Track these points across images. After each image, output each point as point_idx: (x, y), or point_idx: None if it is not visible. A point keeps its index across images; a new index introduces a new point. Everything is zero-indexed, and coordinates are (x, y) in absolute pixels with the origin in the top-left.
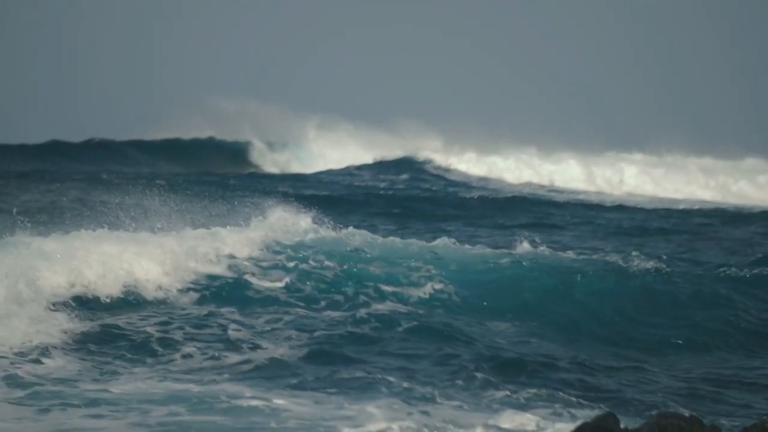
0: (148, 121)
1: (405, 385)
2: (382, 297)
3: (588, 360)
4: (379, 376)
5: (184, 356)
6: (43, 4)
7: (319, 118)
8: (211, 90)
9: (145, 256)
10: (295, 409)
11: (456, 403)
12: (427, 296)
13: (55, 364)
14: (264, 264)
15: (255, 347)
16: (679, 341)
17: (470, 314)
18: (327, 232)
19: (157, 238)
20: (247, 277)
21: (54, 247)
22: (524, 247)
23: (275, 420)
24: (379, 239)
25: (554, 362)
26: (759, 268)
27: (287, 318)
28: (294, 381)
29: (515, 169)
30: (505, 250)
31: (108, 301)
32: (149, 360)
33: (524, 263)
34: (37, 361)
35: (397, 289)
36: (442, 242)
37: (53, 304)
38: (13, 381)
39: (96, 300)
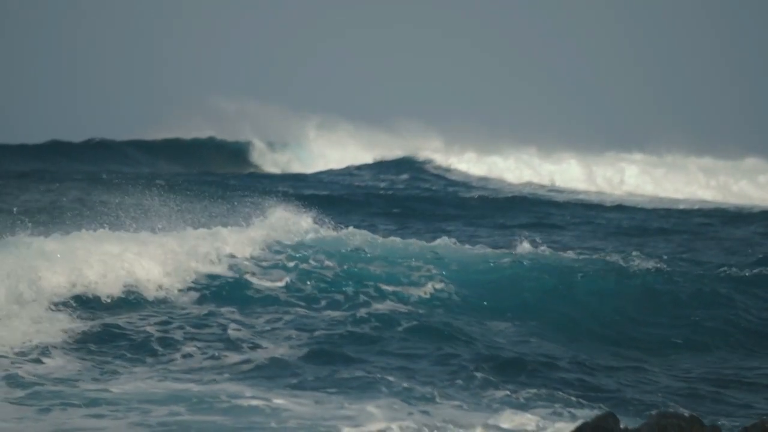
0: (148, 121)
1: (405, 384)
2: (383, 297)
3: (588, 360)
4: (379, 375)
5: (185, 356)
6: (43, 4)
7: (319, 118)
8: (212, 90)
9: (145, 256)
10: (295, 409)
11: (456, 402)
12: (427, 296)
13: (55, 363)
14: (264, 264)
15: (255, 347)
16: (680, 341)
17: (470, 314)
18: (327, 232)
19: (158, 238)
20: (248, 276)
21: (55, 247)
22: (524, 246)
23: (275, 420)
24: (380, 239)
25: (554, 362)
26: (759, 267)
27: (287, 318)
28: (294, 381)
29: (515, 169)
30: (505, 250)
31: (108, 301)
32: (149, 360)
33: (524, 263)
34: (38, 361)
35: (397, 289)
36: (443, 242)
37: (54, 304)
38: (13, 381)
39: (96, 300)
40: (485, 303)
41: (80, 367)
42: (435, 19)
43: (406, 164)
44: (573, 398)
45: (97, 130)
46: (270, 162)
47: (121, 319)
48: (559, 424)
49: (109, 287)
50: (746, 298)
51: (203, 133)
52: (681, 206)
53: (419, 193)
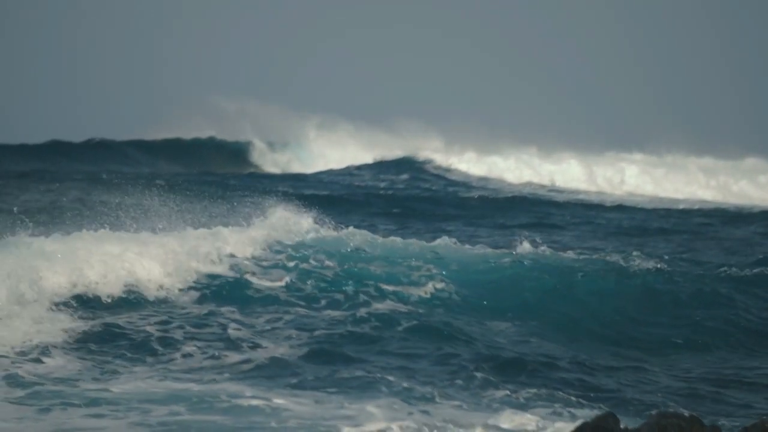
0: (148, 121)
1: (405, 384)
2: (383, 296)
3: (588, 360)
4: (379, 375)
5: (185, 355)
6: (43, 4)
7: (319, 118)
8: (212, 90)
9: (146, 256)
10: (295, 409)
11: (456, 402)
12: (427, 296)
13: (55, 363)
14: (264, 263)
15: (255, 346)
16: (680, 341)
17: (470, 314)
18: (327, 232)
19: (159, 238)
20: (248, 276)
21: (56, 247)
22: (524, 246)
23: (275, 419)
24: (380, 239)
25: (554, 362)
26: (759, 267)
27: (287, 317)
28: (294, 380)
29: (515, 169)
30: (505, 250)
31: (109, 300)
32: (150, 359)
33: (524, 263)
34: (38, 361)
35: (398, 289)
36: (443, 242)
37: (55, 304)
38: (13, 380)
39: (97, 300)
40: (485, 303)
41: (80, 366)
42: (435, 19)
43: (406, 164)
44: (573, 398)
45: (97, 130)
46: (270, 162)
47: (121, 319)
48: (559, 424)
49: (109, 287)
50: (746, 298)
51: (203, 133)
52: (681, 206)
53: (419, 193)
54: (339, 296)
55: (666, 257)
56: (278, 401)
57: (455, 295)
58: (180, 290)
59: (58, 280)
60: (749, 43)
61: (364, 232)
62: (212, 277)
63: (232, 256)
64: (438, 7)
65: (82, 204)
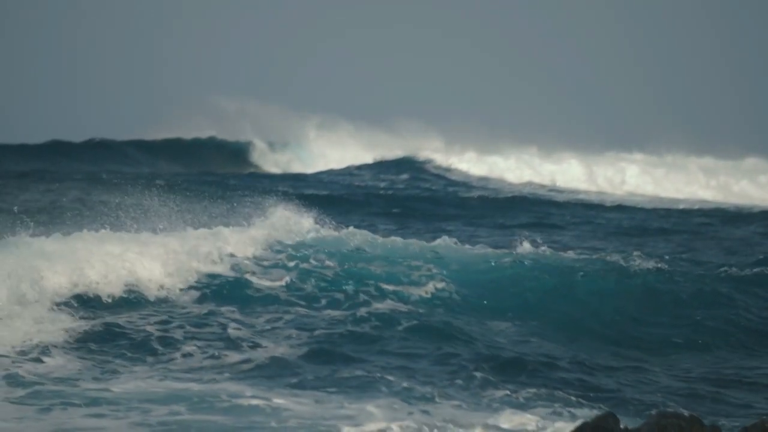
0: (148, 121)
1: (405, 384)
2: (383, 296)
3: (588, 360)
4: (379, 375)
5: (185, 355)
6: (43, 4)
7: (319, 118)
8: (212, 90)
9: (147, 256)
10: (295, 408)
11: (456, 402)
12: (427, 295)
13: (56, 363)
14: (265, 263)
15: (255, 346)
16: (680, 341)
17: (470, 313)
18: (328, 232)
19: (159, 238)
20: (248, 276)
21: (56, 247)
22: (525, 246)
23: (276, 419)
24: (380, 239)
25: (554, 362)
26: (759, 267)
27: (288, 317)
28: (294, 380)
29: (516, 168)
30: (505, 250)
31: (110, 300)
32: (150, 359)
33: (525, 263)
34: (38, 361)
35: (398, 288)
36: (443, 242)
37: (56, 304)
38: (14, 380)
39: (98, 299)
40: (485, 303)
41: (81, 366)
42: (435, 19)
43: (406, 164)
44: (573, 398)
45: (97, 130)
46: (270, 162)
47: (121, 319)
48: (559, 424)
49: (110, 287)
50: (746, 297)
51: (204, 133)
52: (681, 206)
53: (419, 193)
54: (339, 296)
55: (666, 257)
56: (278, 401)
57: (455, 294)
58: (180, 290)
59: (59, 280)
60: (749, 43)
61: (365, 232)
62: (212, 276)
63: (232, 255)
64: (438, 7)
65: (82, 204)
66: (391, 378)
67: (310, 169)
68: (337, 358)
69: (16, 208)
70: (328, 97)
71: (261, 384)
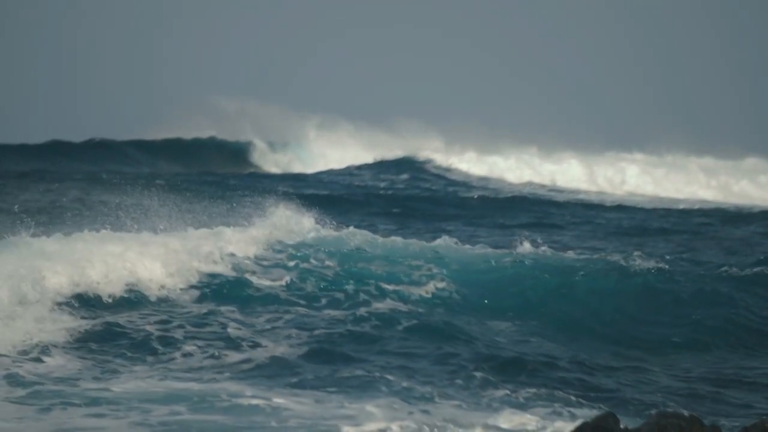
0: (148, 121)
1: (405, 384)
2: (383, 296)
3: (588, 359)
4: (379, 375)
5: (185, 355)
6: (43, 4)
7: (319, 118)
8: (212, 90)
9: (147, 256)
10: (295, 408)
11: (456, 402)
12: (427, 295)
13: (56, 363)
14: (265, 263)
15: (255, 346)
16: (680, 340)
17: (470, 313)
18: (328, 232)
19: (160, 238)
20: (248, 275)
21: (57, 247)
22: (525, 246)
23: (276, 419)
24: (380, 239)
25: (554, 361)
26: (759, 267)
27: (288, 316)
28: (294, 380)
29: (516, 168)
30: (505, 250)
31: (110, 300)
32: (150, 359)
33: (525, 263)
34: (39, 360)
35: (398, 288)
36: (443, 242)
37: (57, 304)
38: (14, 380)
39: (98, 299)
40: (485, 302)
41: (81, 366)
42: (435, 19)
43: (406, 164)
44: (573, 398)
45: (97, 130)
46: (271, 162)
47: (122, 319)
48: (559, 424)
49: (111, 287)
50: (747, 297)
51: (204, 133)
52: (681, 206)
53: (419, 193)
54: (339, 295)
55: (666, 257)
56: (278, 401)
57: (455, 294)
58: (181, 290)
59: (60, 280)
60: (749, 43)
61: (365, 231)
62: (213, 276)
63: (232, 255)
64: (438, 7)
65: (82, 204)
66: (391, 378)
67: (310, 169)
68: (337, 357)
69: (16, 207)
70: (328, 97)
71: (261, 384)
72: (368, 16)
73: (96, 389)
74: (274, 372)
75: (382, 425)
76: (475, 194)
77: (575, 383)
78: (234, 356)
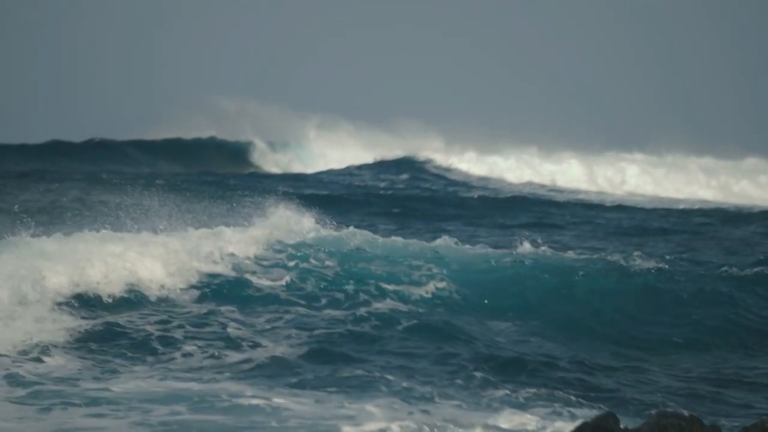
0: (148, 121)
1: (405, 384)
2: (383, 295)
3: (588, 359)
4: (379, 375)
5: (185, 355)
6: (43, 4)
7: (319, 118)
8: (212, 90)
9: (148, 256)
10: (295, 408)
11: (455, 402)
12: (427, 295)
13: (56, 362)
14: (265, 263)
15: (256, 346)
16: (680, 340)
17: (470, 313)
18: (328, 232)
19: (160, 238)
20: (248, 275)
21: (58, 247)
22: (525, 246)
23: (276, 419)
24: (380, 239)
25: (554, 361)
26: (759, 267)
27: (288, 316)
28: (294, 380)
29: (516, 168)
30: (505, 250)
31: (110, 300)
32: (150, 359)
33: (525, 263)
34: (39, 360)
35: (398, 288)
36: (443, 242)
37: (57, 304)
38: (14, 380)
39: (99, 299)
40: (485, 302)
41: (81, 366)
42: (435, 19)
43: (406, 164)
44: (573, 398)
45: (97, 130)
46: (271, 162)
47: (122, 319)
48: (559, 424)
49: (111, 287)
50: (747, 297)
51: (204, 133)
52: (681, 206)
53: (419, 192)
54: (339, 295)
55: (666, 257)
56: (279, 401)
57: (455, 294)
58: (181, 290)
59: (60, 280)
60: (749, 43)
61: (365, 231)
62: (213, 276)
63: (232, 255)
64: (438, 7)
65: (82, 204)
66: (391, 378)
67: (310, 169)
68: (337, 357)
69: (16, 207)
70: (328, 97)
71: (261, 384)
72: (368, 16)
73: (96, 389)
74: (274, 372)
75: (382, 425)
76: (475, 194)
77: (575, 383)
78: (234, 356)
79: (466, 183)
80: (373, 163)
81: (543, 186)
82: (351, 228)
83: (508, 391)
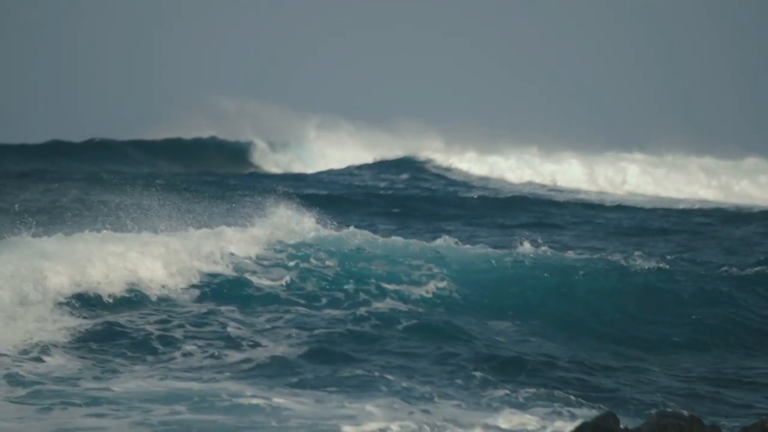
0: (148, 121)
1: (405, 384)
2: (383, 295)
3: (588, 359)
4: (379, 374)
5: (186, 355)
6: (43, 4)
7: (319, 118)
8: (212, 90)
9: (148, 256)
10: (295, 408)
11: (455, 402)
12: (427, 295)
13: (56, 362)
14: (265, 263)
15: (256, 345)
16: (680, 340)
17: (470, 313)
18: (328, 232)
19: (161, 238)
20: (249, 275)
21: (58, 247)
22: (525, 246)
23: (276, 419)
24: (380, 239)
25: (554, 361)
26: (759, 267)
27: (288, 316)
28: (294, 379)
29: (516, 168)
30: (505, 250)
31: (111, 300)
32: (150, 358)
33: (525, 262)
34: (39, 360)
35: (398, 288)
36: (443, 242)
37: (57, 304)
38: (14, 380)
39: (99, 299)
40: (486, 302)
41: (81, 366)
42: (435, 19)
43: (407, 164)
44: (573, 398)
45: (97, 130)
46: (271, 162)
47: (123, 318)
48: (559, 424)
49: (112, 287)
50: (747, 297)
51: (204, 133)
52: (681, 206)
53: (419, 192)
54: (339, 295)
55: (666, 257)
56: (279, 400)
57: (455, 294)
58: (181, 289)
59: (61, 279)
60: (749, 43)
61: (365, 231)
62: (213, 276)
63: (233, 255)
64: (438, 7)
65: (82, 204)
66: (391, 378)
67: (310, 169)
68: (337, 357)
69: (17, 207)
70: (328, 97)
71: (261, 383)
72: (368, 16)
73: (96, 389)
74: (274, 372)
75: (382, 425)
76: (475, 194)
77: (575, 383)
78: (234, 356)
79: (466, 183)
80: (373, 163)
81: (543, 186)
82: (351, 228)
83: (507, 391)
